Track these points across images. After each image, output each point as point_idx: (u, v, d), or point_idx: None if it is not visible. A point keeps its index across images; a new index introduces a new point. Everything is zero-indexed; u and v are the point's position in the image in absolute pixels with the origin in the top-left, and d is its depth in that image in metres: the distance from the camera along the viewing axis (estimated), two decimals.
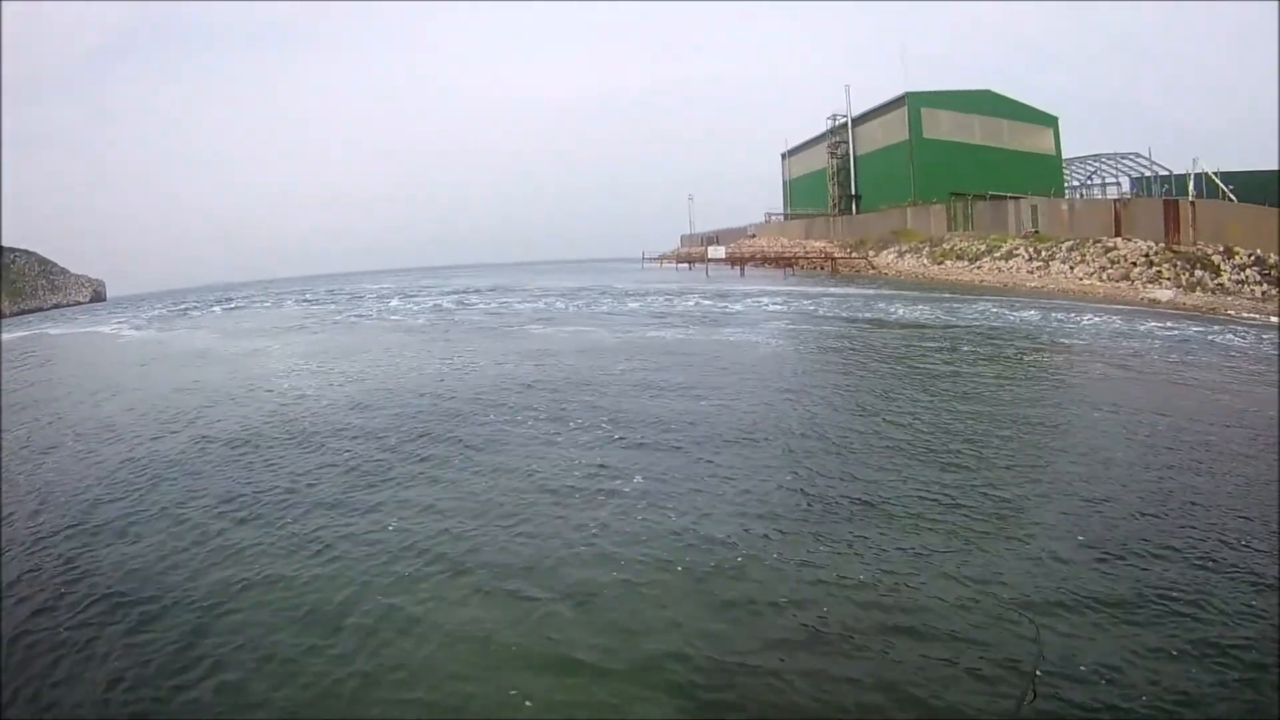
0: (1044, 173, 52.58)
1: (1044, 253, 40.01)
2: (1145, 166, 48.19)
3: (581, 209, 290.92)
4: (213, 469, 12.36)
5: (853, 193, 69.14)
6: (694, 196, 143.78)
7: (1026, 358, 18.65)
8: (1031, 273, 39.58)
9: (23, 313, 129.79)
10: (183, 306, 73.20)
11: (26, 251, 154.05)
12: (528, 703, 5.54)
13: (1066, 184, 56.62)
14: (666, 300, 37.93)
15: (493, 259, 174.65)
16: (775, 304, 33.95)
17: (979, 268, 43.65)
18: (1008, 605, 6.39)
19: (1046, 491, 9.08)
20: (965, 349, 19.90)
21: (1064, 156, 56.96)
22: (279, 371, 23.46)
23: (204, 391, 19.96)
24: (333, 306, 52.78)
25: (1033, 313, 27.16)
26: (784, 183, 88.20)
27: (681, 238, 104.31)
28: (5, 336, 60.44)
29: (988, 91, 57.16)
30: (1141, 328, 23.22)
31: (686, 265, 75.16)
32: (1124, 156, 50.41)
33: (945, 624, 6.13)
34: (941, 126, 56.84)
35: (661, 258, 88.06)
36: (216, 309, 65.66)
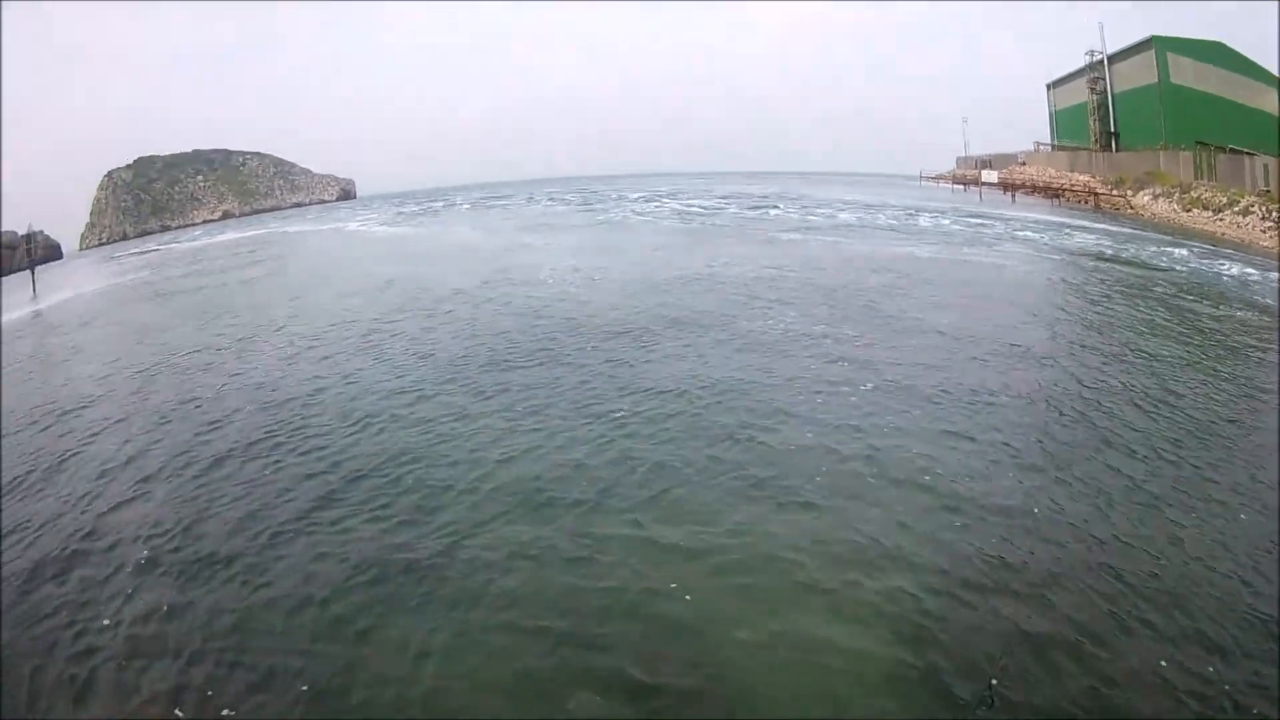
0: (1270, 132, 55.40)
1: (1275, 213, 45.45)
2: None
3: (859, 123, 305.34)
4: (482, 353, 16.89)
5: (1111, 130, 75.12)
6: (968, 120, 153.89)
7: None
8: (1265, 232, 44.79)
9: (256, 212, 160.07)
10: (434, 204, 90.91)
11: (259, 154, 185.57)
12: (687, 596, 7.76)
13: None
14: (950, 219, 45.92)
15: (770, 167, 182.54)
16: (1050, 234, 39.91)
17: (1221, 219, 49.41)
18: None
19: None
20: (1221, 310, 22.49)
21: None
22: (542, 265, 28.34)
23: (468, 283, 25.33)
24: (591, 208, 62.96)
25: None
26: (1050, 113, 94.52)
27: (957, 159, 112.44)
28: (233, 236, 77.58)
29: (1220, 44, 60.54)
30: None
31: (961, 186, 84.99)
32: None
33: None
34: (1185, 73, 61.65)
35: (938, 177, 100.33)
36: (466, 206, 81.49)
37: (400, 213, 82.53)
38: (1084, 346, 17.20)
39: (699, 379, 14.50)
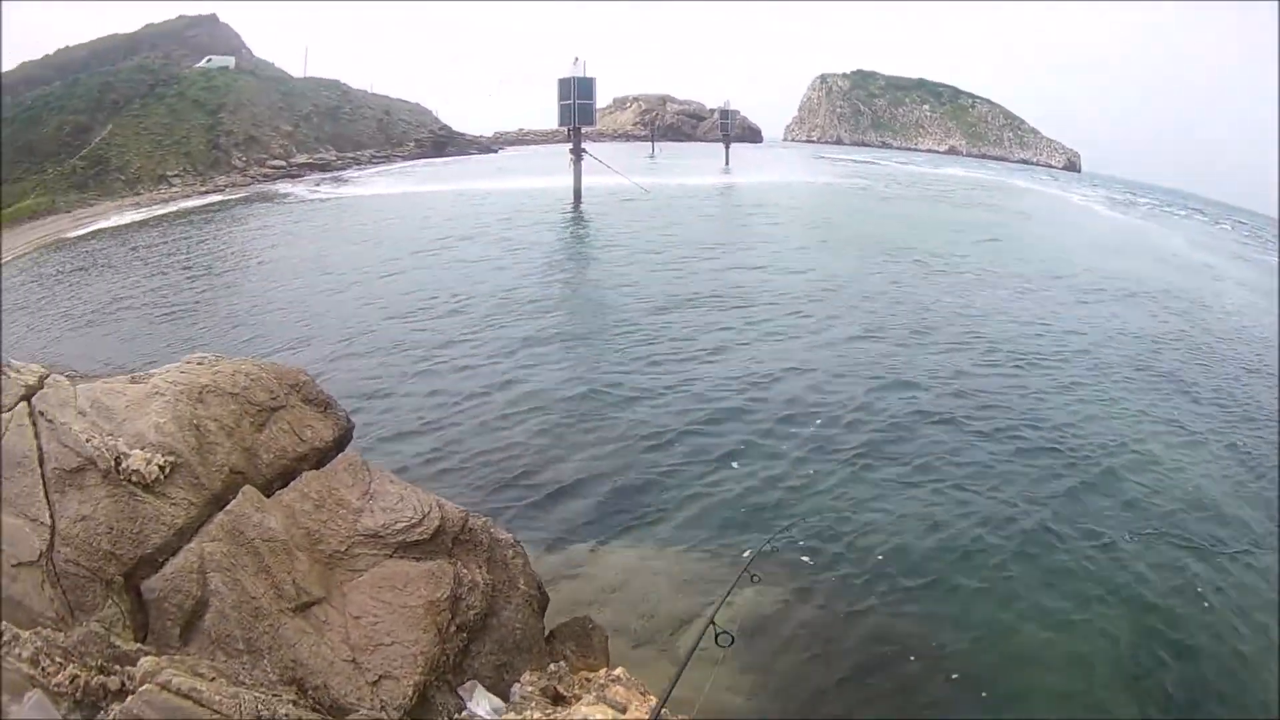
0: None
1: None
2: None
3: None
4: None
5: None
6: None
7: None
8: None
9: (982, 156, 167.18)
10: (1168, 205, 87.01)
11: (989, 101, 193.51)
12: None
13: None
14: None
15: None
16: None
17: None
18: None
19: None
20: None
21: None
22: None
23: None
24: None
25: None
26: None
27: None
28: (959, 172, 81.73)
29: None
30: None
31: None
32: None
33: None
34: None
35: None
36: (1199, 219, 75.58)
37: (1129, 201, 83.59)
38: None
39: None
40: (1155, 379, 17.38)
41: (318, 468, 6.06)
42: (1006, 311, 22.01)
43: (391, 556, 5.64)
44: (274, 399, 6.03)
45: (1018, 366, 17.24)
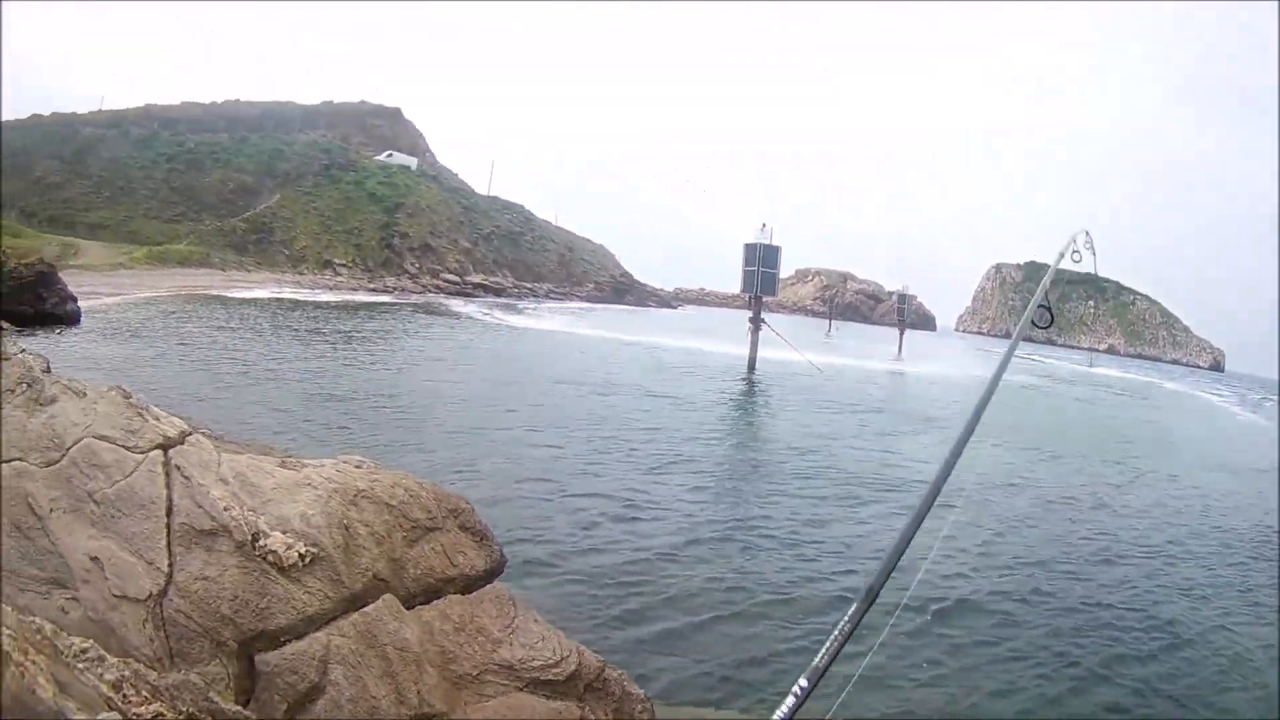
0: None
1: None
2: None
3: None
4: None
5: None
6: None
7: None
8: None
9: (1140, 356, 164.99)
10: None
11: (1150, 299, 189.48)
12: None
13: None
14: None
15: None
16: None
17: None
18: None
19: None
20: None
21: None
22: None
23: None
24: None
25: None
26: None
27: None
28: (1113, 372, 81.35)
29: None
30: None
31: None
32: None
33: None
34: None
35: None
36: None
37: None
38: None
39: None
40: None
41: (464, 594, 6.11)
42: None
43: (522, 690, 5.69)
44: (430, 519, 6.07)
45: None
